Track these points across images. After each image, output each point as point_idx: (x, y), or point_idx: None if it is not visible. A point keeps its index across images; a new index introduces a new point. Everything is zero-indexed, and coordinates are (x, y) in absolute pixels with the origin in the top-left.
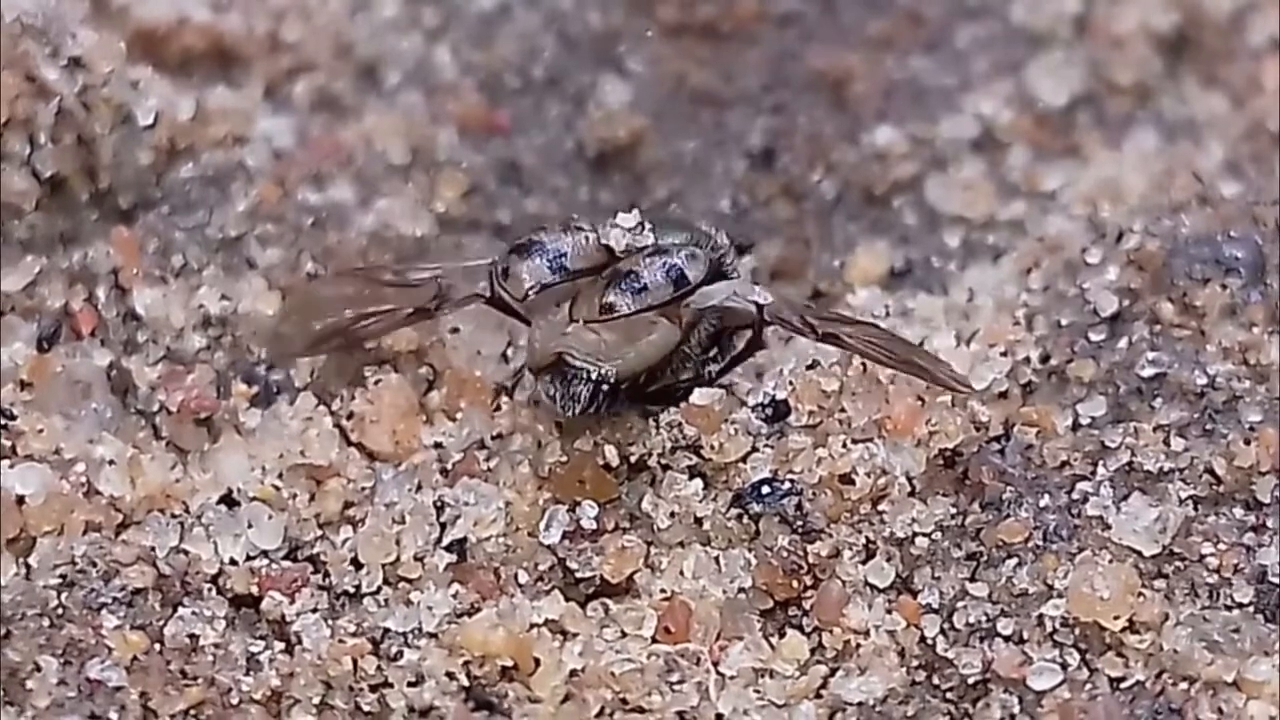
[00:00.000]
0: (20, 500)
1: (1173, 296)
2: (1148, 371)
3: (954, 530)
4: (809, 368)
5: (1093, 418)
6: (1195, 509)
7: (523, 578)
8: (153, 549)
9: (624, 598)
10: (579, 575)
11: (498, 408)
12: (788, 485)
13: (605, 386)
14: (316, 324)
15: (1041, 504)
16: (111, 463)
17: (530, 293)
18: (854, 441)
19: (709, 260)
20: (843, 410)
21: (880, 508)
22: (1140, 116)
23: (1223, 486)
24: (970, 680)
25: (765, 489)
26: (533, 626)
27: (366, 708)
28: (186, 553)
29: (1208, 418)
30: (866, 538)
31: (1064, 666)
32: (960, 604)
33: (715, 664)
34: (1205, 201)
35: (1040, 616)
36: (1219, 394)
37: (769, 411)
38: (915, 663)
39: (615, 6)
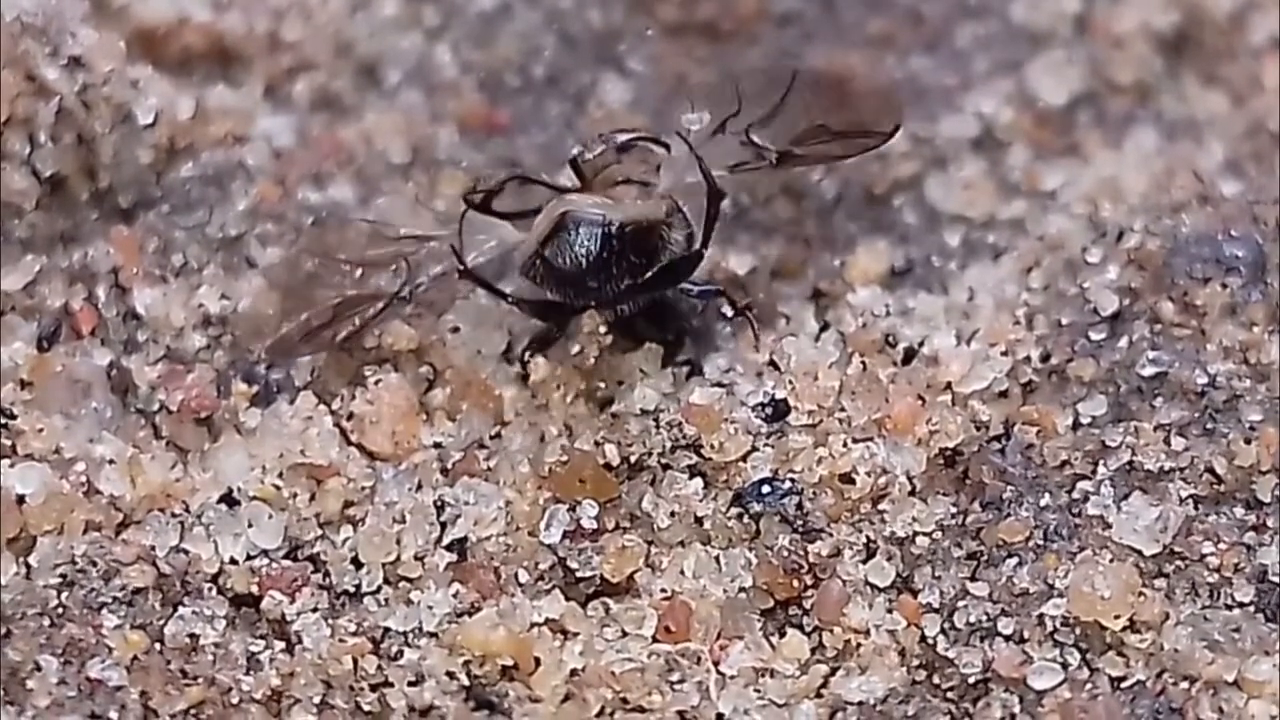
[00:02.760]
0: (20, 500)
1: (1173, 296)
2: (1148, 371)
3: (954, 529)
4: (809, 367)
5: (1093, 417)
6: (1196, 508)
7: (523, 577)
8: (153, 548)
9: (624, 597)
10: (579, 574)
11: (500, 401)
12: (788, 485)
13: (613, 231)
14: (295, 326)
15: (1042, 503)
16: (111, 462)
17: (507, 185)
18: (854, 441)
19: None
20: (842, 409)
21: (881, 507)
22: (1140, 115)
23: (1223, 486)
24: (971, 680)
25: (765, 488)
26: (533, 626)
27: (367, 707)
28: (187, 552)
29: (1208, 417)
30: (867, 537)
31: (1064, 666)
32: (961, 603)
33: (716, 663)
34: (1206, 201)
35: (1041, 616)
36: (1219, 393)
37: (769, 411)
38: (916, 662)
39: (615, 5)
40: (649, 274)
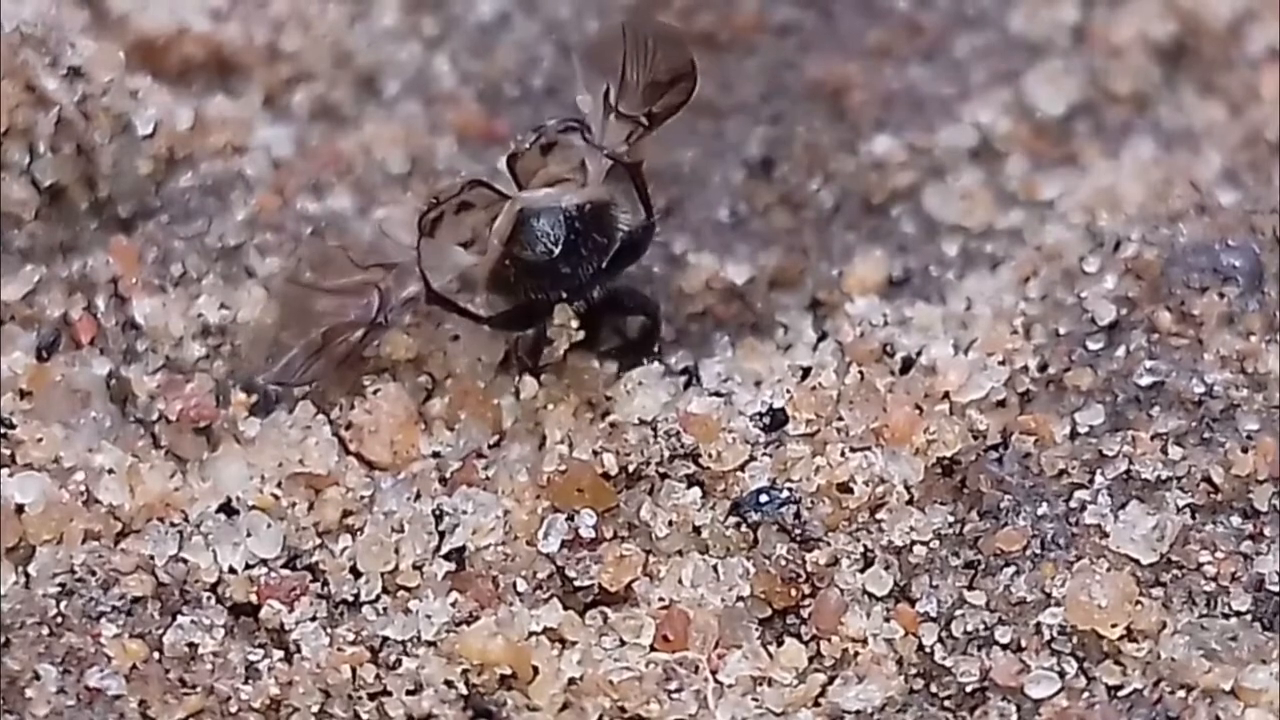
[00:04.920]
0: (20, 509)
1: (1170, 305)
2: (1145, 380)
3: (952, 538)
4: (806, 376)
5: (1090, 426)
6: (1193, 517)
7: (521, 586)
8: (152, 557)
9: (622, 606)
10: (577, 584)
11: (498, 410)
12: (786, 494)
13: (573, 213)
14: (292, 358)
15: (1039, 512)
16: (111, 471)
17: (466, 187)
18: (852, 450)
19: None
20: (840, 419)
21: (878, 516)
22: (1138, 125)
23: (1220, 495)
24: (968, 688)
25: (763, 497)
26: (531, 635)
27: (365, 716)
28: (185, 561)
29: (1205, 426)
30: (864, 546)
31: (1062, 675)
32: (958, 612)
33: (714, 672)
34: (1203, 210)
35: (1038, 625)
36: (1216, 402)
37: (767, 420)
38: (913, 671)
39: (614, 16)
40: (612, 253)
